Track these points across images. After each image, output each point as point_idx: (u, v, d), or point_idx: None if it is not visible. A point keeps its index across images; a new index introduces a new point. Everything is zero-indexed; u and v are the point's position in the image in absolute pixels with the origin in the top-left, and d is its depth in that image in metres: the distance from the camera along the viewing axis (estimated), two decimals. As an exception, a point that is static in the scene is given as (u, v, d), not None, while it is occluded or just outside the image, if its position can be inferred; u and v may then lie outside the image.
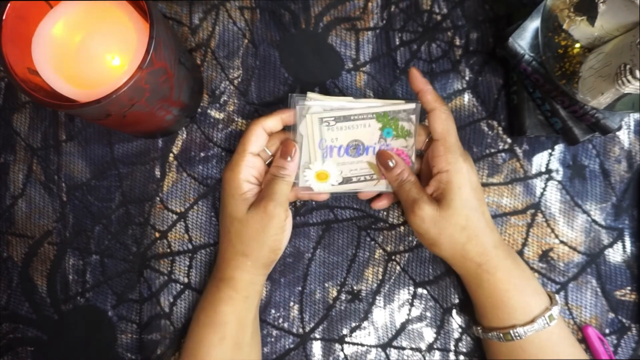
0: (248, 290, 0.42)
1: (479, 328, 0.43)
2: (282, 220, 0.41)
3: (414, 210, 0.40)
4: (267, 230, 0.40)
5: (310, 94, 0.42)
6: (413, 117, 0.43)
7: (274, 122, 0.42)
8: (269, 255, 0.42)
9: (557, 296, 0.42)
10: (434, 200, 0.41)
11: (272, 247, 0.41)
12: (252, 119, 0.43)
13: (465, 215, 0.40)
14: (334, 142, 0.43)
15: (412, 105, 0.43)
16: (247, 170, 0.42)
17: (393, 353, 0.47)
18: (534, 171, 0.49)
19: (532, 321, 0.39)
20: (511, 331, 0.40)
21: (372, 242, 0.48)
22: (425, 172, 0.45)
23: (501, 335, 0.40)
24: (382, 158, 0.43)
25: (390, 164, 0.43)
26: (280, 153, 0.42)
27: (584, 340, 0.47)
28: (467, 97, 0.49)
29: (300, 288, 0.48)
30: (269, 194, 0.41)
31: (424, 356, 0.47)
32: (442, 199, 0.40)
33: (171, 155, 0.48)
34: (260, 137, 0.42)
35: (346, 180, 0.44)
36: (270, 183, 0.41)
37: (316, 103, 0.42)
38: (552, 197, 0.48)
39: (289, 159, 0.42)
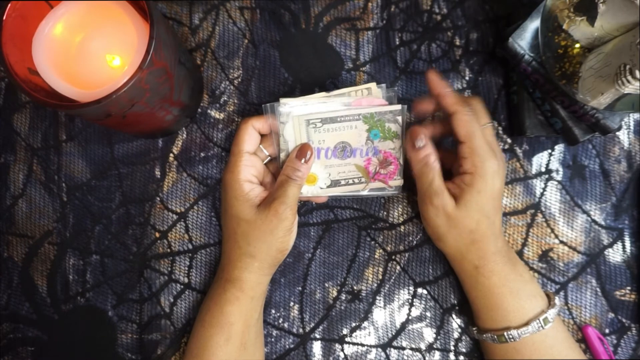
0: (255, 290, 0.42)
1: (474, 329, 0.44)
2: (291, 222, 0.41)
3: (433, 200, 0.40)
4: (276, 232, 0.40)
5: (282, 100, 0.42)
6: (399, 118, 0.43)
7: (262, 123, 0.42)
8: (276, 255, 0.42)
9: (557, 298, 0.42)
10: (452, 197, 0.40)
11: (279, 248, 0.41)
12: (243, 118, 0.43)
13: (477, 220, 0.39)
14: (321, 144, 0.43)
15: (397, 107, 0.43)
16: (247, 170, 0.41)
17: (393, 353, 0.47)
18: (534, 171, 0.49)
19: (527, 324, 0.39)
20: (505, 333, 0.40)
21: (372, 242, 0.48)
22: (450, 161, 0.44)
23: (495, 337, 0.40)
24: (412, 134, 0.41)
25: (419, 144, 0.40)
26: (296, 154, 0.42)
27: (583, 340, 0.47)
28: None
29: (300, 288, 0.48)
30: (280, 196, 0.40)
31: (424, 356, 0.47)
32: (459, 198, 0.40)
33: (171, 155, 0.48)
34: (252, 135, 0.42)
35: (334, 184, 0.44)
36: (283, 185, 0.41)
37: (296, 106, 0.42)
38: (552, 197, 0.48)
39: (303, 161, 0.41)
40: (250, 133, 0.42)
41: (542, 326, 0.39)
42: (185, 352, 0.43)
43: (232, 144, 0.42)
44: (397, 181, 0.44)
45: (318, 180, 0.44)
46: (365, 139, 0.43)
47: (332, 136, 0.43)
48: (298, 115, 0.42)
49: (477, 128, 0.39)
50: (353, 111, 0.43)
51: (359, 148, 0.44)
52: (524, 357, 0.40)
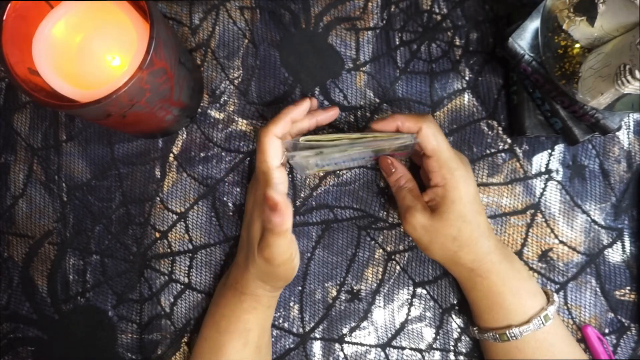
0: (270, 302, 0.43)
1: (475, 329, 0.44)
2: (287, 263, 0.38)
3: (406, 217, 0.41)
4: (276, 271, 0.39)
5: (302, 140, 0.39)
6: (410, 144, 0.41)
7: (283, 126, 0.40)
8: (283, 283, 0.42)
9: (555, 295, 0.42)
10: (428, 209, 0.41)
11: (285, 279, 0.41)
12: (261, 128, 0.39)
13: (457, 227, 0.40)
14: (330, 162, 0.43)
15: (408, 138, 0.40)
16: (278, 188, 0.39)
17: (393, 353, 0.47)
18: (533, 171, 0.49)
19: (528, 321, 0.40)
20: (507, 332, 0.40)
21: (372, 242, 0.48)
22: (425, 178, 0.45)
23: (497, 335, 0.40)
24: (382, 164, 0.44)
25: (392, 170, 0.44)
26: (269, 207, 0.35)
27: (583, 340, 0.47)
28: (467, 97, 0.49)
29: (300, 288, 0.48)
30: (265, 247, 0.37)
31: (423, 356, 0.47)
32: (436, 210, 0.40)
33: (171, 155, 0.48)
34: (277, 146, 0.39)
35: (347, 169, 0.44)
36: (265, 236, 0.37)
37: (304, 153, 0.39)
38: (552, 197, 0.48)
39: (274, 210, 0.35)
40: (275, 145, 0.39)
41: (542, 323, 0.39)
42: (195, 355, 0.43)
43: (257, 158, 0.40)
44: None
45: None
46: (374, 156, 0.44)
47: (340, 156, 0.41)
48: (304, 156, 0.39)
49: (442, 140, 0.40)
50: (362, 148, 0.40)
51: (366, 157, 0.44)
52: (526, 355, 0.40)
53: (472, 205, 0.40)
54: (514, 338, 0.40)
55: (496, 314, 0.41)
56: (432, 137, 0.40)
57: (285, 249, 0.37)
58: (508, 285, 0.41)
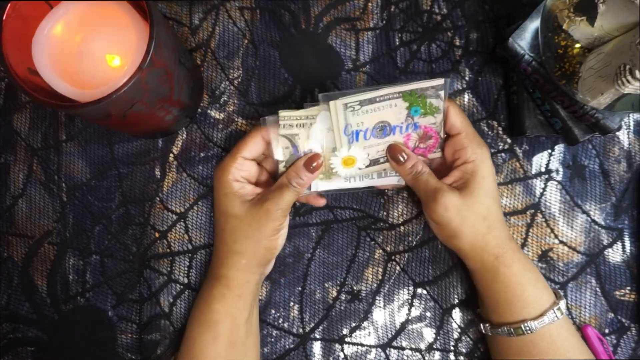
0: (241, 289, 0.41)
1: (487, 325, 0.43)
2: (279, 224, 0.41)
3: (437, 198, 0.40)
4: (264, 230, 0.40)
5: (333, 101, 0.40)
6: (441, 92, 0.42)
7: (260, 142, 0.42)
8: (264, 253, 0.41)
9: (561, 292, 0.42)
10: (455, 189, 0.41)
11: (267, 247, 0.41)
12: (256, 122, 0.42)
13: (487, 205, 0.40)
14: (360, 127, 0.41)
15: (440, 81, 0.41)
16: (237, 172, 0.41)
17: (393, 353, 0.47)
18: (533, 171, 0.49)
19: (542, 315, 0.40)
20: (522, 325, 0.40)
21: (372, 242, 0.48)
22: (439, 168, 0.44)
23: (512, 330, 0.40)
24: (392, 152, 0.42)
25: (401, 159, 0.41)
26: (304, 162, 0.40)
27: (583, 340, 0.47)
28: (467, 97, 0.49)
29: (300, 288, 0.48)
30: (275, 198, 0.40)
31: (423, 356, 0.47)
32: (464, 188, 0.40)
33: (171, 155, 0.48)
34: (258, 145, 0.42)
35: (373, 162, 0.43)
36: (281, 188, 0.40)
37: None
38: (552, 197, 0.48)
39: (310, 169, 0.40)
40: (257, 142, 0.41)
41: (557, 317, 0.40)
42: (179, 350, 0.43)
43: (236, 144, 0.42)
44: (437, 154, 0.44)
45: (357, 162, 0.42)
46: (405, 116, 0.42)
47: (370, 117, 0.41)
48: (334, 100, 0.40)
49: (466, 118, 0.42)
50: (392, 89, 0.41)
51: (398, 125, 0.42)
52: (540, 349, 0.40)
53: (495, 184, 0.41)
54: (529, 332, 0.39)
55: (514, 306, 0.40)
56: (460, 114, 0.42)
57: (289, 206, 0.41)
58: (527, 277, 0.41)
